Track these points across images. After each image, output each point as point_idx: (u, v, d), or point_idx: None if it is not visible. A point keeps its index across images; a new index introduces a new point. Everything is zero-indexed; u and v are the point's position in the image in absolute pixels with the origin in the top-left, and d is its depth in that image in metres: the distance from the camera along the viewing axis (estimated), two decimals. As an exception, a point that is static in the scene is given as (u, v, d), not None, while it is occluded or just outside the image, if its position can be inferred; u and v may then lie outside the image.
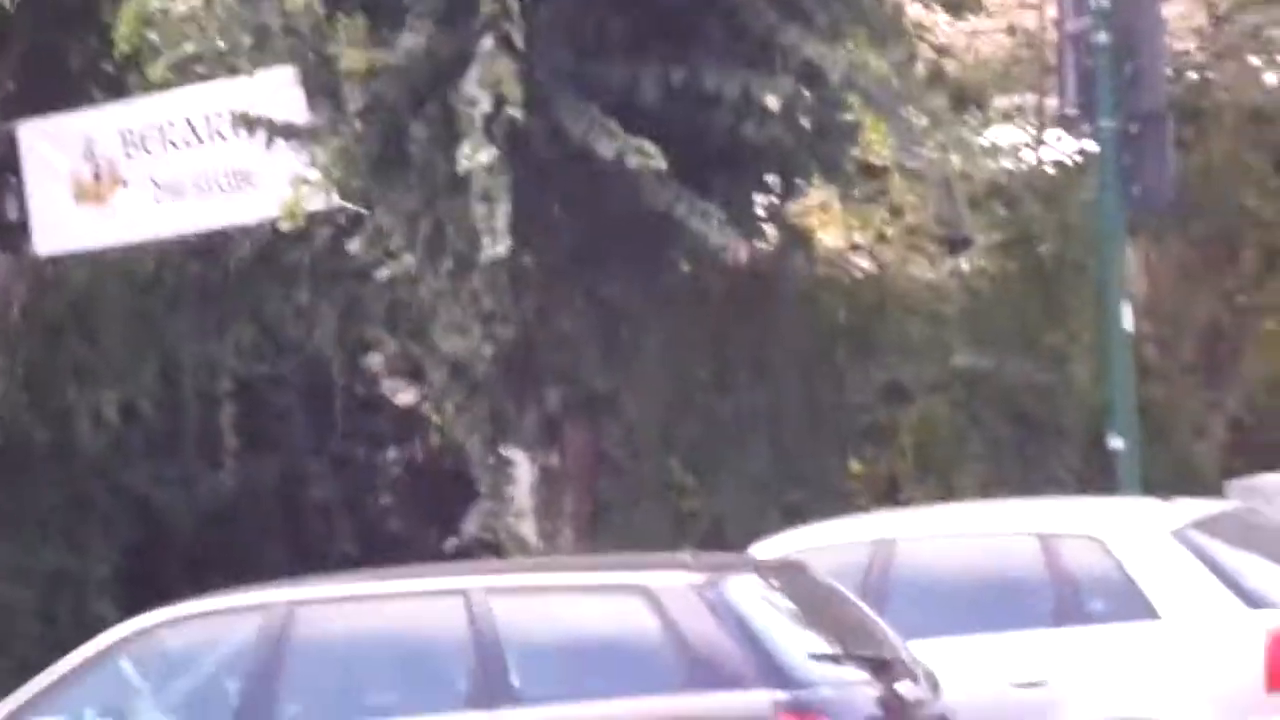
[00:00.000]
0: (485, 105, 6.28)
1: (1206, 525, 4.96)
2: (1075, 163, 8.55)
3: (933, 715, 3.72)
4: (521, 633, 3.65)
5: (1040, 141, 8.97)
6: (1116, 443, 7.06)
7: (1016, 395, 8.26)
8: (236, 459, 10.06)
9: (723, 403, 8.51)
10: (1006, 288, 8.79)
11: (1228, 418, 8.60)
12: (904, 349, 8.51)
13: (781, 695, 3.22)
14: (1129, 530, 4.92)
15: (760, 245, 8.06)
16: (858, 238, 8.90)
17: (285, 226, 7.45)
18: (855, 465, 8.90)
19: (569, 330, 7.49)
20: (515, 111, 6.24)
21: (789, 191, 7.73)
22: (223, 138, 8.29)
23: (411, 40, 6.54)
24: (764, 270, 8.33)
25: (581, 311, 7.39)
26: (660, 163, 6.26)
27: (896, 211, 8.93)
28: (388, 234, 7.27)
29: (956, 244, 8.95)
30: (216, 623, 4.05)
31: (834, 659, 3.47)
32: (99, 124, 9.23)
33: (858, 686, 3.42)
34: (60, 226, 9.27)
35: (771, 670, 3.31)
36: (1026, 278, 8.72)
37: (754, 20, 6.65)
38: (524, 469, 8.13)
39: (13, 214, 9.66)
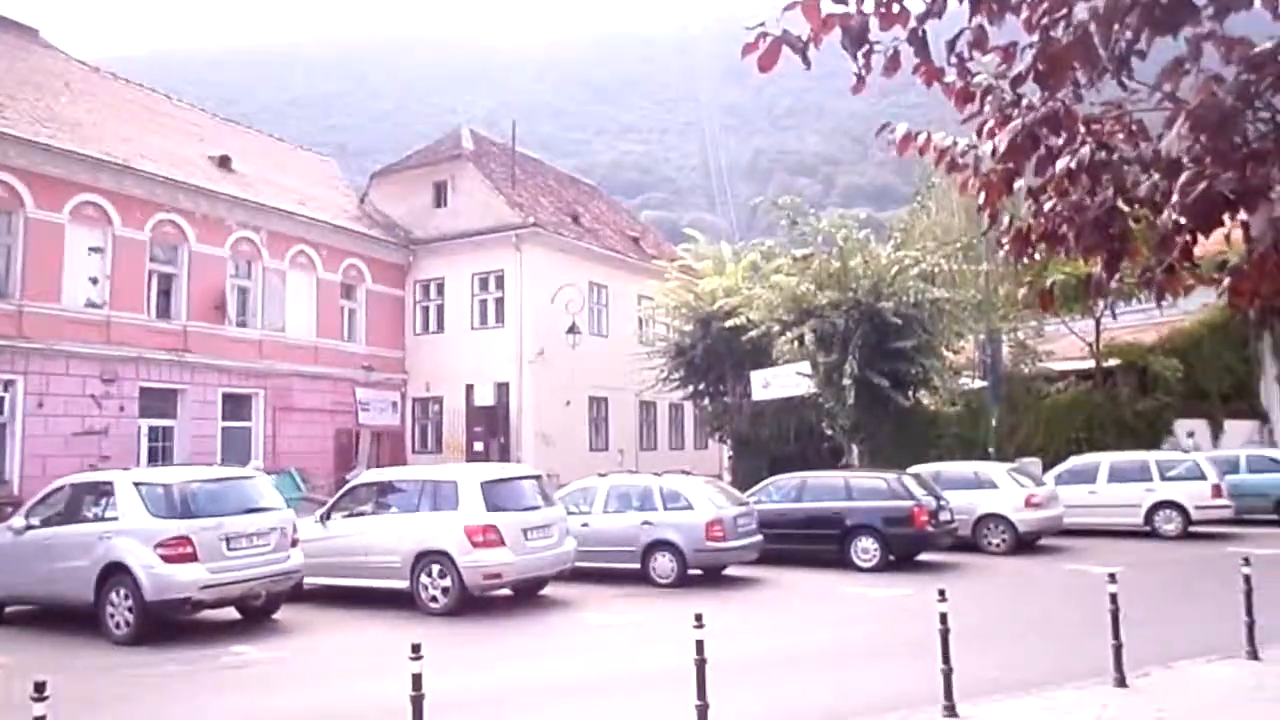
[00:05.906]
0: (849, 371, 30.79)
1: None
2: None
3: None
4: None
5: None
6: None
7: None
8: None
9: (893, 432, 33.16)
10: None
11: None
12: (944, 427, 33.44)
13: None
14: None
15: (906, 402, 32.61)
16: (930, 401, 33.96)
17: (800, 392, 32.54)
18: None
19: (863, 418, 32.28)
20: (855, 372, 30.85)
21: (917, 389, 32.83)
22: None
23: (827, 359, 31.70)
24: (910, 408, 33.01)
25: (871, 413, 32.12)
26: (887, 384, 30.67)
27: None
28: (824, 396, 32.24)
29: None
30: None
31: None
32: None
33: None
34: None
35: None
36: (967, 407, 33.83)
37: (915, 360, 31.55)
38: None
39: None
